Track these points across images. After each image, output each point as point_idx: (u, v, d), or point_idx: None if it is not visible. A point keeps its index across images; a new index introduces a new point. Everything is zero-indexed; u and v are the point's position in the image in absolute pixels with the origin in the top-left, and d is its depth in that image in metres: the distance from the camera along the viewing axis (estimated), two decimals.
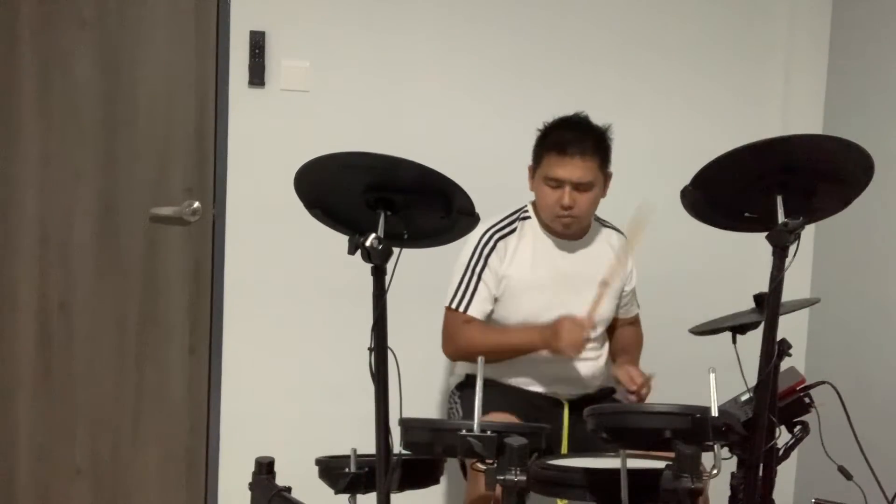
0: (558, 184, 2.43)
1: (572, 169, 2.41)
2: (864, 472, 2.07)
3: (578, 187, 2.43)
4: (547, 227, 2.54)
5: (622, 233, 2.67)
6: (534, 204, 2.59)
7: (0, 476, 2.81)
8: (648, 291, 2.77)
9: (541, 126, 2.54)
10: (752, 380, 1.83)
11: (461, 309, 2.49)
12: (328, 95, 2.90)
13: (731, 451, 1.83)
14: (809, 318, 3.20)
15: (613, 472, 1.75)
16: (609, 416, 1.83)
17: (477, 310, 2.49)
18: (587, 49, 3.07)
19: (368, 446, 1.81)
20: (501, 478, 1.63)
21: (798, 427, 2.09)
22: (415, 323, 2.66)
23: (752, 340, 1.91)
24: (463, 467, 2.47)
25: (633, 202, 2.61)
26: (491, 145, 2.99)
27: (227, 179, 2.86)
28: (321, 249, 2.62)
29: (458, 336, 2.50)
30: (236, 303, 2.90)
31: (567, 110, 2.56)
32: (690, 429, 1.67)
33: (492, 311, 2.52)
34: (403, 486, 1.92)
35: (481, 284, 2.49)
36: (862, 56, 3.05)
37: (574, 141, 2.43)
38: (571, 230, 2.52)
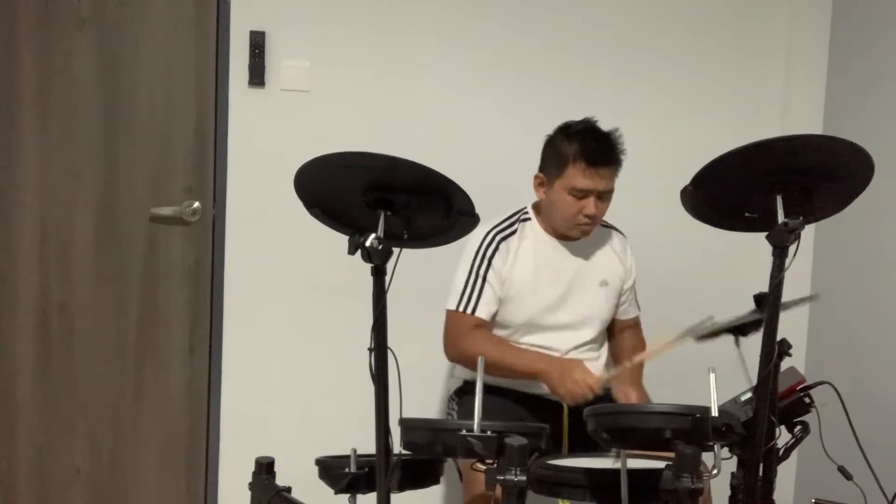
0: (584, 194, 2.42)
1: (600, 179, 2.41)
2: (864, 472, 2.07)
3: (602, 196, 2.44)
4: (550, 230, 2.54)
5: (622, 233, 2.67)
6: (534, 206, 2.59)
7: (0, 476, 2.81)
8: (648, 291, 2.77)
9: (547, 129, 2.52)
10: (753, 380, 1.83)
11: (468, 311, 2.47)
12: (328, 95, 2.90)
13: (731, 451, 1.83)
14: (809, 318, 3.20)
15: (613, 472, 1.75)
16: (609, 416, 1.82)
17: (483, 311, 2.48)
18: (587, 49, 3.07)
19: (368, 446, 1.81)
20: (501, 478, 1.63)
21: (798, 427, 2.08)
22: (415, 323, 2.66)
23: (752, 340, 1.91)
24: (458, 471, 2.46)
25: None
26: (491, 145, 2.99)
27: (227, 179, 2.87)
28: (321, 249, 2.61)
29: (464, 340, 2.47)
30: (236, 303, 2.90)
31: (567, 110, 2.55)
32: (690, 429, 1.66)
33: (496, 312, 2.51)
34: (403, 486, 1.92)
35: (486, 286, 2.48)
36: (862, 56, 3.05)
37: (602, 152, 2.42)
38: (587, 235, 2.52)
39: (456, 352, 2.52)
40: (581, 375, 2.33)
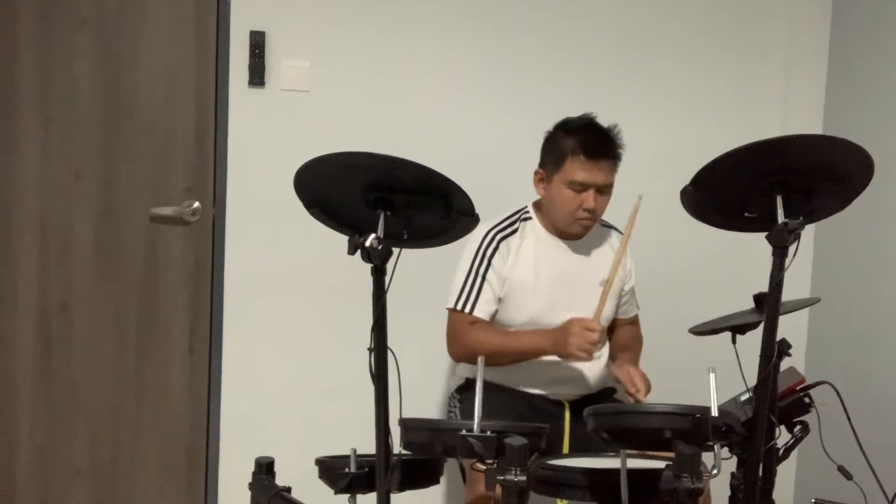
0: (583, 188, 2.42)
1: (599, 172, 2.41)
2: (864, 472, 2.07)
3: (601, 190, 2.44)
4: (551, 228, 2.54)
5: (622, 233, 2.67)
6: (535, 205, 2.59)
7: (0, 476, 2.81)
8: (648, 291, 2.77)
9: (547, 128, 2.52)
10: (752, 380, 1.83)
11: (466, 310, 2.48)
12: (328, 95, 2.90)
13: (731, 451, 1.83)
14: (809, 318, 3.20)
15: (613, 472, 1.75)
16: (609, 416, 1.82)
17: (482, 310, 2.48)
18: (587, 49, 3.07)
19: (368, 446, 1.81)
20: (501, 478, 1.63)
21: (798, 427, 2.09)
22: (415, 323, 2.66)
23: (752, 340, 1.91)
24: (462, 471, 2.46)
25: (632, 201, 2.62)
26: (491, 145, 2.99)
27: (227, 179, 2.86)
28: (321, 249, 2.61)
29: (464, 337, 2.48)
30: (236, 303, 2.90)
31: (568, 110, 2.55)
32: (690, 429, 1.67)
33: (496, 312, 2.51)
34: (403, 486, 1.91)
35: (485, 285, 2.48)
36: (862, 56, 3.05)
37: (601, 145, 2.42)
38: (588, 231, 2.52)
39: (459, 349, 2.52)
40: (577, 327, 2.34)
